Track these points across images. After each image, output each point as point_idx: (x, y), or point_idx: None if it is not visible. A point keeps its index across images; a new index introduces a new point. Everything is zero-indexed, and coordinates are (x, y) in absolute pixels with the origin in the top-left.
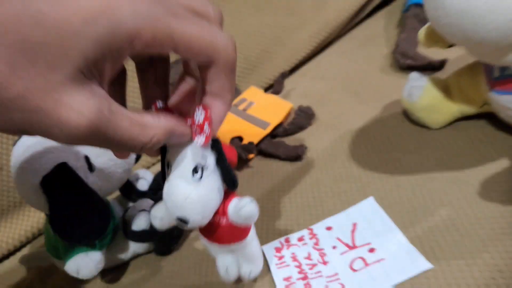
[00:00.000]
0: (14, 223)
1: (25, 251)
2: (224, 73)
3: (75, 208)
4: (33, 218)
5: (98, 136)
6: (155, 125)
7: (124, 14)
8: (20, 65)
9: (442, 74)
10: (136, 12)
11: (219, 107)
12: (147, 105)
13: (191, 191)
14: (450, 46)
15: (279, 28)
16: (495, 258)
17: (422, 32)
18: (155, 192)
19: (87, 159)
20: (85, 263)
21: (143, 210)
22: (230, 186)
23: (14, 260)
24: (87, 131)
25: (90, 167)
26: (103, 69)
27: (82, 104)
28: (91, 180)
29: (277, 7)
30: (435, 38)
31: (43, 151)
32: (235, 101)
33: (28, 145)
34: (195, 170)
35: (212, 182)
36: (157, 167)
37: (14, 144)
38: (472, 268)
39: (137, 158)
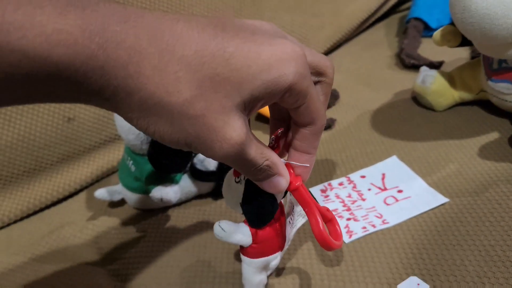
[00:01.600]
0: (80, 168)
1: (87, 193)
2: (318, 135)
3: None
4: (97, 163)
5: (240, 155)
6: (268, 155)
7: (289, 70)
8: (206, 90)
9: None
10: (296, 70)
11: (309, 162)
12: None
13: None
14: (458, 46)
15: (305, 27)
16: (493, 196)
17: (438, 33)
18: None
19: None
20: (166, 192)
21: None
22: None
23: (77, 199)
24: (236, 150)
25: None
26: (256, 105)
27: (240, 128)
28: None
29: (305, 9)
30: (448, 38)
31: None
32: None
33: None
34: None
35: None
36: None
37: None
38: (477, 201)
39: None
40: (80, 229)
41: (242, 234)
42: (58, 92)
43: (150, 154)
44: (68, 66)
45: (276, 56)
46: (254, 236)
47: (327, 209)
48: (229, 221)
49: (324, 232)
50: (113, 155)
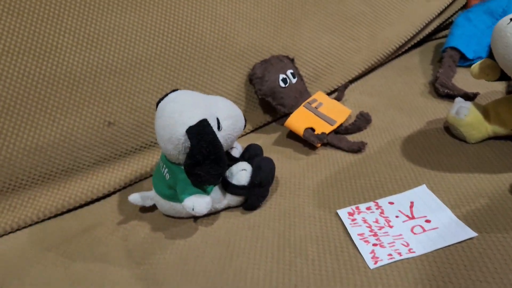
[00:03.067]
0: (115, 171)
1: (119, 195)
2: None
3: (208, 154)
4: (132, 168)
5: None
6: None
7: None
8: None
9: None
10: None
11: None
12: None
13: None
14: (496, 80)
15: (342, 49)
16: None
17: (476, 67)
18: (246, 159)
19: (217, 120)
20: (198, 202)
21: (244, 169)
22: None
23: (110, 201)
24: None
25: (219, 126)
26: None
27: None
28: (217, 136)
29: (344, 31)
30: (486, 72)
31: (190, 107)
32: (309, 99)
33: (174, 101)
34: None
35: None
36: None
37: (158, 101)
38: (507, 238)
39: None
40: (111, 231)
41: None
42: None
43: (187, 165)
44: None
45: None
46: None
47: None
48: None
49: None
50: (147, 161)
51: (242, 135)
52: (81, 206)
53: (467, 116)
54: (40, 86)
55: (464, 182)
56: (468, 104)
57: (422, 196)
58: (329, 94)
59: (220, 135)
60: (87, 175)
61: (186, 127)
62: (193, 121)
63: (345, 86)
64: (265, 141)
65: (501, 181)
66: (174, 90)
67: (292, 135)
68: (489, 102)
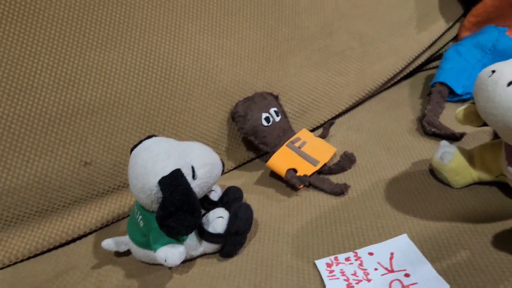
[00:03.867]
0: (91, 211)
1: (95, 236)
2: None
3: (181, 206)
4: (109, 208)
5: None
6: None
7: None
8: None
9: (461, 145)
10: None
11: None
12: None
13: None
14: (482, 125)
15: (328, 84)
16: None
17: (460, 112)
18: (225, 203)
19: (193, 168)
20: (172, 253)
21: (220, 217)
22: None
23: (85, 242)
24: None
25: (194, 175)
26: None
27: None
28: (192, 185)
29: (331, 66)
30: (471, 118)
31: (164, 157)
32: (292, 138)
33: (148, 149)
34: None
35: None
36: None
37: (133, 148)
38: None
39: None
40: (84, 276)
41: None
42: None
43: (159, 217)
44: None
45: None
46: None
47: None
48: None
49: None
50: (125, 201)
51: (225, 173)
52: (55, 248)
53: (451, 162)
54: (14, 126)
55: (446, 232)
56: (453, 149)
57: (402, 247)
58: (316, 129)
59: (195, 184)
60: (62, 216)
61: (159, 178)
62: (166, 172)
63: (330, 123)
64: (247, 179)
65: (483, 233)
66: (149, 136)
67: (275, 174)
68: (475, 147)
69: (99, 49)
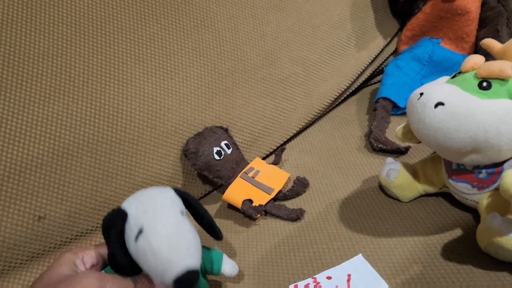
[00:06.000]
0: (42, 270)
1: None
2: None
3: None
4: None
5: None
6: None
7: None
8: None
9: (407, 158)
10: None
11: None
12: None
13: None
14: (419, 142)
15: (276, 111)
16: None
17: (399, 131)
18: None
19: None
20: None
21: None
22: None
23: None
24: None
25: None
26: None
27: None
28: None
29: (277, 93)
30: (409, 136)
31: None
32: (246, 169)
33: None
34: None
35: None
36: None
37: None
38: None
39: None
40: None
41: None
42: None
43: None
44: None
45: None
46: None
47: None
48: None
49: None
50: None
51: None
52: None
53: (396, 179)
54: None
55: (398, 247)
56: (398, 165)
57: (358, 267)
58: (269, 155)
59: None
60: (21, 273)
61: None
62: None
63: (282, 150)
64: None
65: (433, 244)
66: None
67: (232, 205)
68: (416, 162)
69: (42, 102)
